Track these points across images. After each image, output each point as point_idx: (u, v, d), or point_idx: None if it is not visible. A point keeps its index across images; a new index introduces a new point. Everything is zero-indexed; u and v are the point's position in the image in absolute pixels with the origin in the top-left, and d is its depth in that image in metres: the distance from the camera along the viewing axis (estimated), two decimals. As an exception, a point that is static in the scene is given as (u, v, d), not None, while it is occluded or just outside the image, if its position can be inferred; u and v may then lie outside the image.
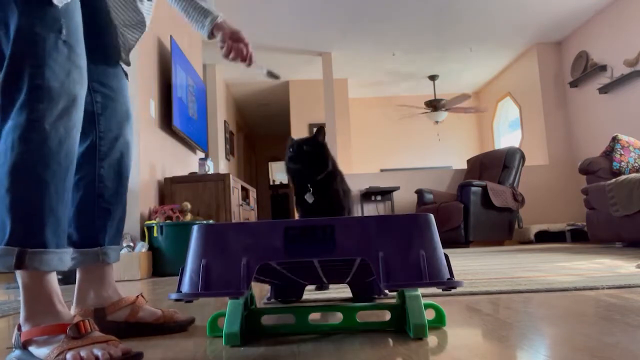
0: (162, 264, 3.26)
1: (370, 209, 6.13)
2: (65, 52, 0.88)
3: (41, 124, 0.84)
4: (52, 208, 0.86)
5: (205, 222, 3.41)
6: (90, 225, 1.11)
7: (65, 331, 0.81)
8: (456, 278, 0.86)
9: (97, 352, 0.79)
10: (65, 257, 0.89)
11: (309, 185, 1.54)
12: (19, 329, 0.85)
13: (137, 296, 1.15)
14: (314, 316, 1.21)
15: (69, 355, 0.78)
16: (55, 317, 0.84)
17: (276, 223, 0.81)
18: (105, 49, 1.13)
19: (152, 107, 3.83)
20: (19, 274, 0.85)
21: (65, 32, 0.88)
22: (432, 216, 0.85)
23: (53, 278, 0.88)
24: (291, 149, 1.57)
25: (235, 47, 1.26)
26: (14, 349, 0.86)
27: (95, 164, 1.11)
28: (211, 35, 1.27)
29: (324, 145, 1.58)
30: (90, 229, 1.11)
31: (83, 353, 0.78)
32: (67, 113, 0.88)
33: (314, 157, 1.55)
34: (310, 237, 0.76)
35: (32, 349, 0.83)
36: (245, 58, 1.29)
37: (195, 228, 0.88)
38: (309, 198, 1.53)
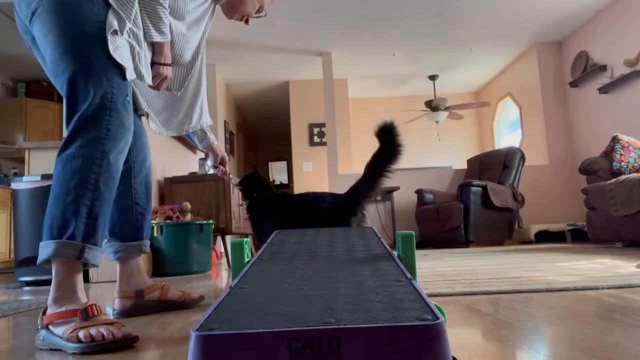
0: (162, 264, 3.26)
1: (371, 209, 6.12)
2: (128, 108, 1.21)
3: (107, 155, 1.14)
4: (105, 218, 1.16)
5: (205, 221, 3.41)
6: (132, 225, 1.49)
7: (76, 314, 1.04)
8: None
9: (103, 330, 1.01)
10: (100, 254, 1.16)
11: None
12: (44, 312, 1.08)
13: (163, 282, 1.57)
14: None
15: (80, 333, 1.00)
16: (74, 302, 1.07)
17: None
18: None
19: (152, 107, 3.82)
20: (55, 263, 1.09)
21: (129, 97, 1.22)
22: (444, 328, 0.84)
23: (80, 271, 1.12)
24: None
25: (223, 169, 1.80)
26: (40, 329, 1.08)
27: (131, 181, 1.50)
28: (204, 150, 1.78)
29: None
30: (132, 227, 1.49)
31: (92, 331, 1.00)
32: (123, 150, 1.20)
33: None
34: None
35: (52, 328, 1.05)
36: (226, 175, 1.83)
37: (193, 337, 0.87)
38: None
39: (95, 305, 1.07)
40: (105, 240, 1.49)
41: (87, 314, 1.04)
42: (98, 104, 1.14)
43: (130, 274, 1.49)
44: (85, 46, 1.15)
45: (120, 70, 1.19)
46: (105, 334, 1.00)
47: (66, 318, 1.04)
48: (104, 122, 1.14)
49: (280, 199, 1.87)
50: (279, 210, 1.83)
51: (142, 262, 1.55)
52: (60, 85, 1.18)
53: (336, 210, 1.70)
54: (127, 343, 1.01)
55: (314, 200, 1.76)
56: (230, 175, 1.87)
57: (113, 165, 1.15)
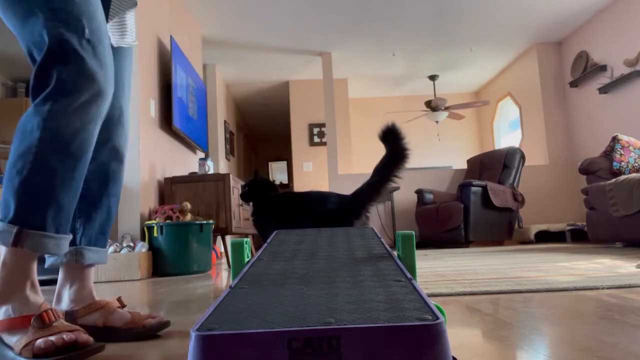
0: (162, 264, 3.26)
1: (371, 209, 6.11)
2: (89, 50, 0.95)
3: (60, 114, 0.90)
4: (56, 195, 0.91)
5: (205, 221, 3.41)
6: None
7: (29, 323, 0.84)
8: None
9: (64, 336, 0.84)
10: (63, 242, 0.93)
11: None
12: None
13: (111, 300, 1.14)
14: None
15: (39, 341, 0.82)
16: (22, 304, 0.88)
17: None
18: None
19: (152, 107, 3.83)
20: (3, 251, 0.89)
21: (88, 31, 0.96)
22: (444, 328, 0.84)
23: (33, 265, 0.92)
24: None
25: None
26: None
27: None
28: None
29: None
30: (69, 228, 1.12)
31: (52, 338, 0.83)
32: (86, 107, 0.94)
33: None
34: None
35: (4, 336, 0.86)
36: None
37: (193, 337, 0.86)
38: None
39: (52, 310, 0.88)
40: None
41: (42, 322, 0.85)
42: (46, 51, 0.92)
43: (65, 286, 1.13)
44: None
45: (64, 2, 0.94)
46: (66, 339, 0.84)
47: (18, 327, 0.86)
48: (53, 72, 0.92)
49: (284, 199, 1.87)
50: (280, 211, 1.83)
51: (91, 273, 1.17)
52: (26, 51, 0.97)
53: (341, 212, 1.70)
54: (85, 352, 0.85)
55: (318, 199, 1.76)
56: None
57: (67, 127, 0.92)
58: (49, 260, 1.11)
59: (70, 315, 1.09)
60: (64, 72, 0.91)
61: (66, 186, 0.93)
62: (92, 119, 0.96)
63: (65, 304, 1.11)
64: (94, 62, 0.95)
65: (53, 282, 1.10)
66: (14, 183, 0.89)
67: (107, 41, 1.02)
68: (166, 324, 1.14)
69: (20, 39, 0.97)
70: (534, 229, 5.44)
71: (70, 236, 0.98)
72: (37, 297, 0.91)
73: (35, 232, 0.89)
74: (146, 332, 1.10)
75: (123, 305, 1.15)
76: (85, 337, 0.87)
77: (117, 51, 1.19)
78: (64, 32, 0.93)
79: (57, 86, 0.91)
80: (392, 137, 1.61)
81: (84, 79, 0.93)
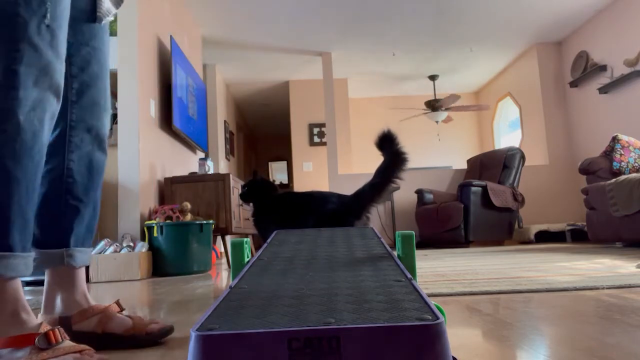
0: (162, 264, 3.26)
1: (371, 210, 6.12)
2: (47, 38, 0.81)
3: (15, 114, 0.76)
4: (22, 208, 0.78)
5: (205, 221, 3.41)
6: (55, 223, 1.02)
7: (33, 342, 0.74)
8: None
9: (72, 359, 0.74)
10: (30, 262, 0.82)
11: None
12: None
13: (109, 304, 1.05)
14: None
15: None
16: (20, 327, 0.77)
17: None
18: (82, 25, 1.04)
19: (152, 107, 3.83)
20: None
21: (50, 17, 0.81)
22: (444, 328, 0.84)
23: (17, 284, 0.80)
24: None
25: None
26: None
27: (64, 156, 1.02)
28: None
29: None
30: (56, 228, 1.02)
31: None
32: (42, 103, 0.80)
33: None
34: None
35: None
36: None
37: (193, 337, 0.85)
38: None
39: (58, 329, 0.79)
40: None
41: (47, 342, 0.75)
42: None
43: (56, 292, 1.02)
44: None
45: None
46: None
47: (15, 347, 0.75)
48: (2, 59, 0.77)
49: (284, 199, 1.87)
50: (280, 211, 1.83)
51: (83, 275, 1.07)
52: None
53: (342, 212, 1.71)
54: None
55: (319, 200, 1.77)
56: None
57: (26, 129, 0.78)
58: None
59: (65, 322, 0.99)
60: (15, 63, 0.77)
61: (30, 197, 0.79)
62: (47, 117, 0.83)
63: (58, 310, 1.00)
64: (51, 53, 0.81)
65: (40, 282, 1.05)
66: None
67: (67, 26, 0.89)
68: (170, 330, 1.06)
69: None
70: (534, 229, 5.44)
71: (33, 254, 0.85)
72: (33, 318, 0.81)
73: (3, 255, 0.75)
74: (149, 339, 1.02)
75: (122, 309, 1.07)
76: (97, 357, 0.79)
77: (100, 29, 1.07)
78: (21, 14, 0.78)
79: (8, 78, 0.77)
80: (388, 143, 1.63)
81: (39, 71, 0.79)
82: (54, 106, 0.85)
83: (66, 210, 1.02)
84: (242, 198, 1.96)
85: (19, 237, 0.78)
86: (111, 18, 1.10)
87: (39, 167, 0.82)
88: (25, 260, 0.80)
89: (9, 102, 0.76)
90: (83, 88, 1.04)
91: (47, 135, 0.84)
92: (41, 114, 0.81)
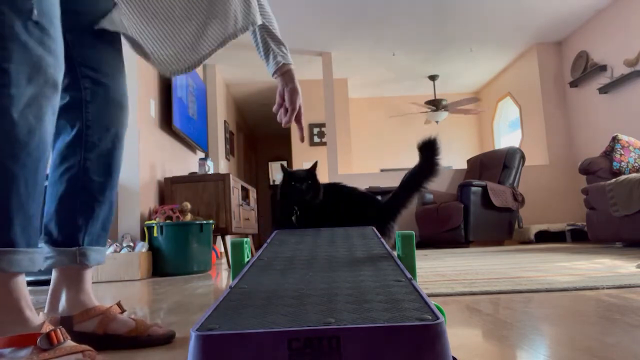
0: (162, 264, 3.26)
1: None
2: (36, 34, 0.80)
3: (8, 111, 0.76)
4: (22, 204, 0.78)
5: (205, 221, 3.41)
6: (70, 222, 1.02)
7: (35, 342, 0.74)
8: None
9: None
10: (36, 257, 0.81)
11: (296, 208, 1.63)
12: None
13: (111, 305, 1.05)
14: None
15: None
16: (23, 324, 0.77)
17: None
18: (93, 29, 1.03)
19: (152, 107, 3.83)
20: None
21: (37, 12, 0.80)
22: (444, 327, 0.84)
23: (21, 281, 0.80)
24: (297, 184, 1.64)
25: (288, 119, 1.40)
26: None
27: (81, 155, 1.02)
28: (275, 74, 1.35)
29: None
30: (70, 226, 1.02)
31: None
32: (37, 100, 0.81)
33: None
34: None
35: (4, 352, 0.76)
36: (289, 121, 1.39)
37: (193, 337, 0.85)
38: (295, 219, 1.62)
39: (60, 329, 0.78)
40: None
41: (49, 342, 0.75)
42: None
43: (61, 290, 1.03)
44: None
45: None
46: None
47: (17, 347, 0.75)
48: None
49: (332, 190, 1.74)
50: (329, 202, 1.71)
51: (90, 275, 1.08)
52: None
53: (381, 216, 1.76)
54: None
55: (360, 200, 1.78)
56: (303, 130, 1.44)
57: (20, 125, 0.78)
58: (45, 263, 0.99)
59: (66, 321, 0.99)
60: (5, 62, 0.77)
61: (31, 193, 0.80)
62: (46, 113, 0.83)
63: (61, 309, 1.01)
64: (41, 49, 0.81)
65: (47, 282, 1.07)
66: None
67: (58, 22, 0.87)
68: (172, 336, 1.06)
69: None
70: (534, 229, 5.44)
71: (43, 249, 0.86)
72: (36, 316, 0.80)
73: (5, 250, 0.76)
74: (151, 341, 1.02)
75: (123, 310, 1.08)
76: (98, 358, 0.78)
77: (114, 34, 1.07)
78: (6, 12, 0.77)
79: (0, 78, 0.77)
80: (430, 152, 1.66)
81: (30, 68, 0.79)
82: (52, 101, 0.84)
83: (82, 209, 1.03)
84: (311, 196, 1.62)
85: (21, 232, 0.78)
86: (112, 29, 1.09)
87: (39, 163, 0.82)
88: (30, 256, 0.79)
89: (1, 101, 0.76)
90: (96, 88, 1.04)
91: (48, 130, 0.84)
92: (37, 110, 0.81)
